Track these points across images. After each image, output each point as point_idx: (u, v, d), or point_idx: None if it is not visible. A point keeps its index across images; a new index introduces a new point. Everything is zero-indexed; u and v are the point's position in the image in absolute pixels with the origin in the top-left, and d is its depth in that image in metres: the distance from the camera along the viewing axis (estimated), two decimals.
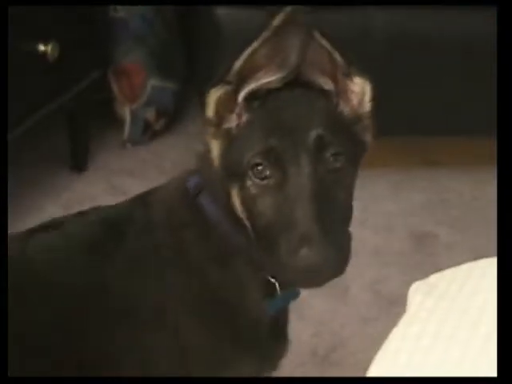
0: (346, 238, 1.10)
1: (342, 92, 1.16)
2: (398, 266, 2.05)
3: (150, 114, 2.61)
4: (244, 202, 1.14)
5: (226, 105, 1.15)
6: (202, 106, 1.25)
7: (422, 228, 2.20)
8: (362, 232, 2.03)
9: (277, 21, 1.10)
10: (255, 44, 1.11)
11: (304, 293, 1.31)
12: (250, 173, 1.12)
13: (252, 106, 1.15)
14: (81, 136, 2.39)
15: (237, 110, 1.16)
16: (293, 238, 1.07)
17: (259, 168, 1.12)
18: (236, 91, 1.15)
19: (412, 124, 2.40)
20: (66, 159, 2.41)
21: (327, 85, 1.15)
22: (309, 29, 1.11)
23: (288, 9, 1.09)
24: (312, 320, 1.96)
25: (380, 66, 1.99)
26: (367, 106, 1.17)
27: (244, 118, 1.16)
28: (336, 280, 1.10)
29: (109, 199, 2.25)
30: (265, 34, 1.11)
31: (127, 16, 2.45)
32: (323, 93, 1.16)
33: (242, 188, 1.13)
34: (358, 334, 1.94)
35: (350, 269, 1.08)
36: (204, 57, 2.51)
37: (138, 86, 2.53)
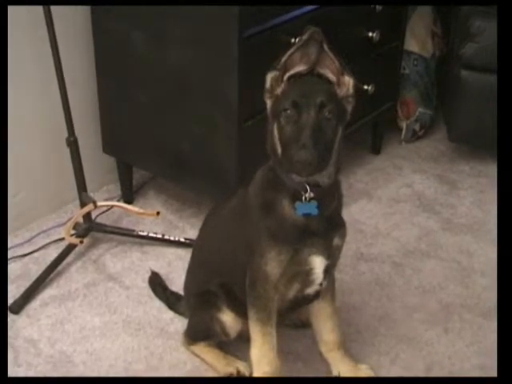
0: (325, 156, 1.39)
1: (338, 83, 1.45)
2: None
3: (416, 127, 3.25)
4: (278, 130, 1.42)
5: (276, 81, 1.45)
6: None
7: None
8: None
9: (304, 37, 1.39)
10: (292, 49, 1.41)
11: None
12: (283, 114, 1.41)
13: (289, 82, 1.45)
14: (379, 133, 3.10)
15: (282, 85, 1.46)
16: (298, 146, 1.35)
17: (288, 112, 1.40)
18: (282, 74, 1.45)
19: None
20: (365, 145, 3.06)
21: (332, 78, 1.44)
22: (321, 43, 1.39)
23: (311, 30, 1.37)
24: None
25: None
26: (351, 91, 1.47)
27: (285, 88, 1.45)
28: None
29: (391, 172, 2.94)
30: (298, 44, 1.41)
31: (410, 72, 3.13)
32: (328, 81, 1.45)
33: (278, 123, 1.42)
34: None
35: None
36: (447, 93, 3.05)
37: (411, 111, 3.19)
